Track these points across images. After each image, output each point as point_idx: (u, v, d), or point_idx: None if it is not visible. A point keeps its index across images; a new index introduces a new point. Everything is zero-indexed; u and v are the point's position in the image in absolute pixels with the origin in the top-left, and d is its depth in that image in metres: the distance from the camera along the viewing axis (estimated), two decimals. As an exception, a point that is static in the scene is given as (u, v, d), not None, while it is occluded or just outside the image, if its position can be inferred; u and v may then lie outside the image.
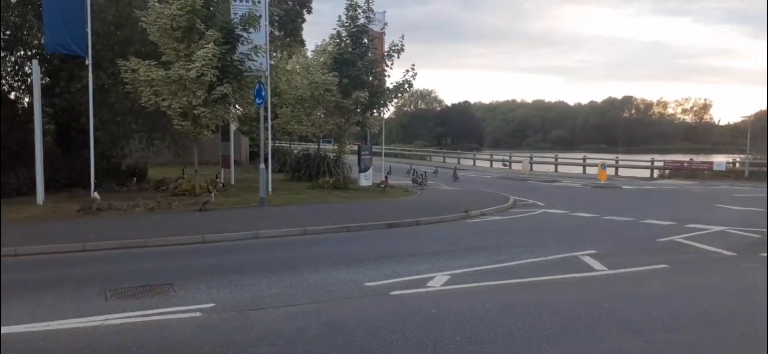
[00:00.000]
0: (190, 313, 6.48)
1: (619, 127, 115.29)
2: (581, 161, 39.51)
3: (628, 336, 5.84)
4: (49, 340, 5.59)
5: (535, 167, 39.96)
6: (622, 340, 5.72)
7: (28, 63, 19.43)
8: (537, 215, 16.18)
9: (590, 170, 36.23)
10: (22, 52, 20.41)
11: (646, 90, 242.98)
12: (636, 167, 37.41)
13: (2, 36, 19.97)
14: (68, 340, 5.62)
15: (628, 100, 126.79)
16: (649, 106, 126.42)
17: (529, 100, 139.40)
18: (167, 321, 6.20)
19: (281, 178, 25.69)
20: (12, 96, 21.31)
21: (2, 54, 20.03)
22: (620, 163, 38.64)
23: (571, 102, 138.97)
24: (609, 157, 41.08)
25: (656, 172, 35.21)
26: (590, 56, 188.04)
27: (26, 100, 20.99)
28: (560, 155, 44.97)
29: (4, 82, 20.57)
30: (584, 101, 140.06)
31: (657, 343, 5.63)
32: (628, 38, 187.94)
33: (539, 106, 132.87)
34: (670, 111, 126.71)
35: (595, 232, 13.15)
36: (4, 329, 5.86)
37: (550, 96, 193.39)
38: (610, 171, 34.06)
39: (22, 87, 20.87)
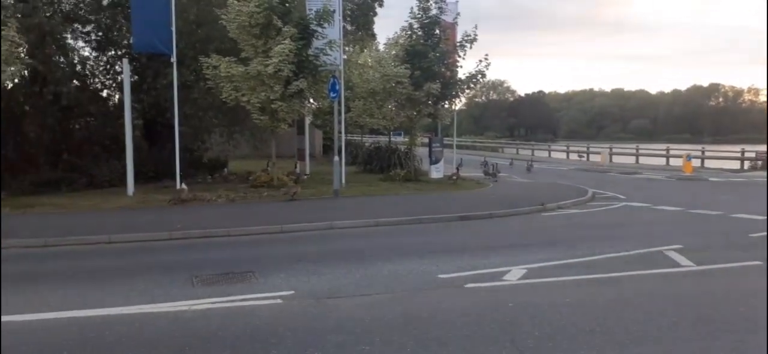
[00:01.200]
0: (271, 299, 6.70)
1: (704, 116, 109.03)
2: (664, 152, 37.70)
3: (719, 335, 5.53)
4: (142, 323, 5.94)
5: (615, 159, 38.46)
6: (712, 340, 5.44)
7: (119, 62, 20.61)
8: (617, 208, 15.58)
9: (674, 162, 34.52)
10: (112, 52, 21.68)
11: (735, 77, 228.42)
12: (724, 158, 35.26)
13: (95, 37, 21.33)
14: (159, 322, 5.95)
15: (714, 88, 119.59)
16: (738, 93, 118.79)
17: (608, 89, 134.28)
18: (250, 307, 6.44)
19: (353, 170, 26.03)
20: (104, 93, 22.70)
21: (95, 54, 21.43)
22: (707, 153, 36.52)
23: (653, 91, 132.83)
24: (694, 148, 38.93)
25: (747, 164, 33.01)
26: (673, 42, 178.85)
27: (116, 96, 22.30)
28: (641, 146, 43.07)
29: (97, 80, 21.96)
30: (667, 89, 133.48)
31: (752, 343, 5.31)
32: (713, 22, 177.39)
33: (618, 95, 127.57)
34: (762, 98, 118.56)
35: (680, 226, 12.53)
36: (103, 311, 6.30)
37: (630, 85, 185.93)
38: (696, 162, 32.27)
39: (113, 85, 22.17)
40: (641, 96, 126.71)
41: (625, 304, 6.45)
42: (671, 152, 36.91)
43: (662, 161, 36.36)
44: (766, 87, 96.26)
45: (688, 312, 6.20)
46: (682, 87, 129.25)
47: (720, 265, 8.57)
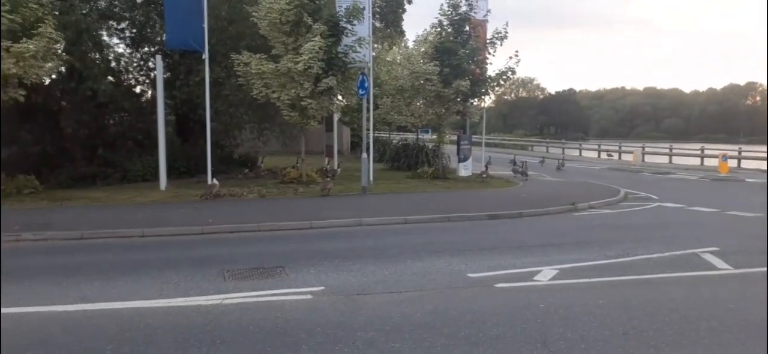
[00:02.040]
0: (302, 295, 6.75)
1: (741, 115, 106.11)
2: (698, 152, 36.82)
3: (759, 341, 5.38)
4: (175, 315, 6.04)
5: (647, 158, 37.73)
6: (752, 344, 5.30)
7: (152, 58, 20.97)
8: (651, 209, 15.28)
9: (708, 162, 33.72)
10: (146, 49, 22.08)
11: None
12: (761, 159, 34.23)
13: (129, 34, 21.74)
14: (192, 315, 6.03)
15: (751, 86, 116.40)
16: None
17: (640, 87, 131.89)
18: (280, 302, 6.50)
19: (381, 167, 26.02)
20: (137, 90, 23.14)
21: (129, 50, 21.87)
22: (743, 153, 35.53)
23: (687, 89, 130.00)
24: (730, 148, 37.94)
25: (787, 165, 32.02)
26: (708, 39, 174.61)
27: (149, 93, 22.71)
28: (675, 145, 42.10)
29: (130, 76, 22.38)
30: (702, 88, 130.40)
31: (794, 350, 5.15)
32: (751, 17, 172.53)
33: (651, 94, 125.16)
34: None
35: (716, 227, 12.23)
36: (137, 303, 6.43)
37: (664, 83, 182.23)
38: (732, 163, 31.46)
39: (147, 81, 22.58)
40: (675, 94, 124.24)
41: (660, 307, 6.32)
42: (706, 152, 36.02)
43: (696, 161, 35.53)
44: (766, 87, 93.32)
45: (726, 316, 6.05)
46: (718, 85, 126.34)
47: (758, 268, 8.32)
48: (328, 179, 17.72)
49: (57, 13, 16.37)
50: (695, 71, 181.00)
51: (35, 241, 10.46)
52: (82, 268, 8.17)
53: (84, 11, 18.83)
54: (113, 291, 6.91)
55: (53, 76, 18.58)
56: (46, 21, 14.54)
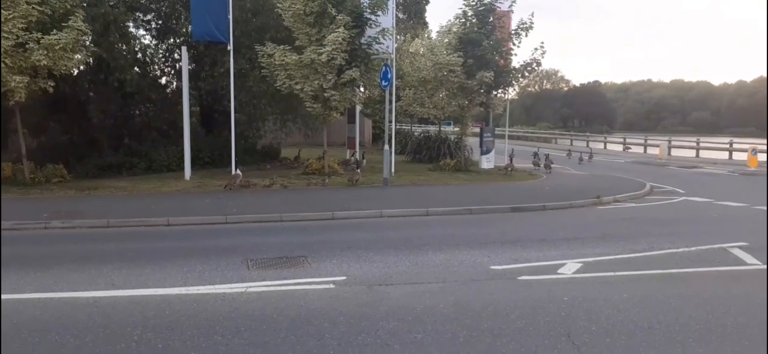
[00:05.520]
0: (324, 284, 6.79)
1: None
2: (727, 146, 36.06)
3: (789, 338, 5.27)
4: (199, 303, 6.11)
5: (674, 152, 37.09)
6: (782, 342, 5.18)
7: (177, 50, 21.20)
8: (677, 203, 15.03)
9: (737, 156, 33.00)
10: (171, 40, 22.32)
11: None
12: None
13: (155, 25, 22.00)
14: (216, 303, 6.11)
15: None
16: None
17: (667, 79, 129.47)
18: (303, 291, 6.55)
19: (402, 159, 25.98)
20: (163, 80, 23.45)
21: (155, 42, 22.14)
22: (774, 148, 34.64)
23: (716, 82, 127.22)
24: (760, 142, 37.05)
25: (818, 159, 31.16)
26: (738, 30, 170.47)
27: (175, 84, 22.98)
28: (702, 139, 41.28)
29: (156, 67, 22.68)
30: (731, 80, 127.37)
31: (826, 348, 5.03)
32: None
33: (678, 87, 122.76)
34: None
35: (745, 222, 11.97)
36: (162, 291, 6.54)
37: (691, 75, 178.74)
38: (762, 157, 30.73)
39: (172, 72, 22.85)
40: (703, 87, 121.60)
41: (686, 302, 6.23)
42: (735, 146, 35.25)
43: (725, 155, 34.83)
44: (766, 84, 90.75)
45: (756, 312, 5.93)
46: (748, 78, 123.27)
47: (789, 264, 8.14)
48: (356, 169, 17.89)
49: (85, 5, 16.63)
50: (724, 63, 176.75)
51: (63, 228, 10.69)
52: (109, 256, 8.32)
53: (111, 3, 19.10)
54: (139, 278, 7.03)
55: (82, 68, 18.90)
56: (75, 13, 14.79)
